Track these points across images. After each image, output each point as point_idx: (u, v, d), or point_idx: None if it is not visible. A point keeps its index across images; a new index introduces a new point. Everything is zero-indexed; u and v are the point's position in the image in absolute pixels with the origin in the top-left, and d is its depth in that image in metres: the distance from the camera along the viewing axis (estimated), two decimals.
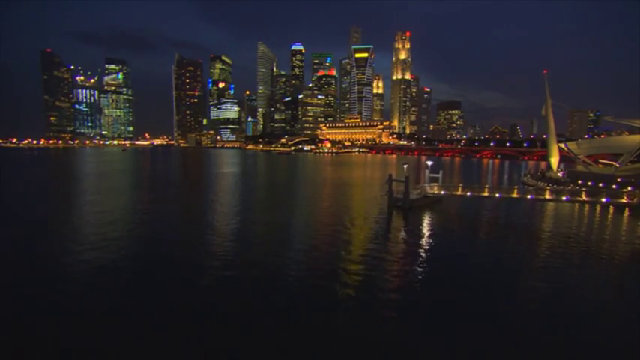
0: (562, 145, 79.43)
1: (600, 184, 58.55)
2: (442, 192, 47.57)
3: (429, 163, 55.17)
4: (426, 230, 34.73)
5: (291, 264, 24.57)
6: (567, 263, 25.10)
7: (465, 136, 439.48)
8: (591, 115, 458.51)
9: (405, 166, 49.29)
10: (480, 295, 19.81)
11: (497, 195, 41.74)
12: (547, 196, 39.12)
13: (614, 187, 55.87)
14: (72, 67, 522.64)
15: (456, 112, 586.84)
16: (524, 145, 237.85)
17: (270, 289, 20.25)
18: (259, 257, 26.17)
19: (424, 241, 30.93)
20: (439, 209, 45.79)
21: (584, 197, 36.77)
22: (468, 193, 43.78)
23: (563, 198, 38.11)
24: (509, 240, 32.61)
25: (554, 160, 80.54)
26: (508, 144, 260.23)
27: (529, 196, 41.39)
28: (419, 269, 23.62)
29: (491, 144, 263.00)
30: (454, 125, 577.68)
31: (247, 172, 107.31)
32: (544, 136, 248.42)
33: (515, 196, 40.66)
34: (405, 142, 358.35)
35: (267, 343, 14.75)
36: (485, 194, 42.30)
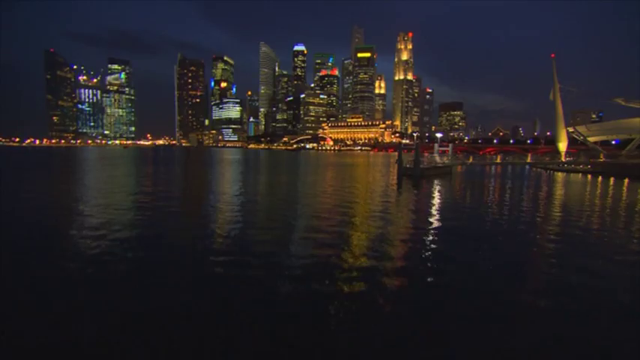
0: (570, 129, 78.27)
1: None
2: (453, 162, 46.56)
3: (439, 135, 54.17)
4: (436, 195, 33.35)
5: (299, 226, 23.45)
6: (583, 229, 22.18)
7: (467, 137, 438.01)
8: (594, 116, 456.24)
9: (416, 134, 48.28)
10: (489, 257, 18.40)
11: (509, 165, 40.63)
12: (563, 159, 37.93)
13: None
14: (75, 67, 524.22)
15: (458, 113, 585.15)
16: (528, 141, 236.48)
17: (279, 247, 19.17)
18: (272, 212, 25.13)
19: (435, 204, 28.50)
20: (450, 178, 44.74)
21: (602, 158, 35.57)
22: (481, 162, 42.75)
23: (582, 159, 36.93)
24: (522, 205, 30.30)
25: (563, 145, 79.35)
26: (511, 141, 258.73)
27: (547, 159, 40.21)
28: (427, 228, 20.45)
29: (495, 141, 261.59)
30: (456, 126, 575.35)
31: (252, 159, 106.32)
32: (547, 134, 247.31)
33: (529, 160, 39.58)
34: (408, 141, 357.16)
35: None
36: (498, 161, 41.27)
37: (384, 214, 20.81)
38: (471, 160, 43.00)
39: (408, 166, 45.03)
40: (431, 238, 15.96)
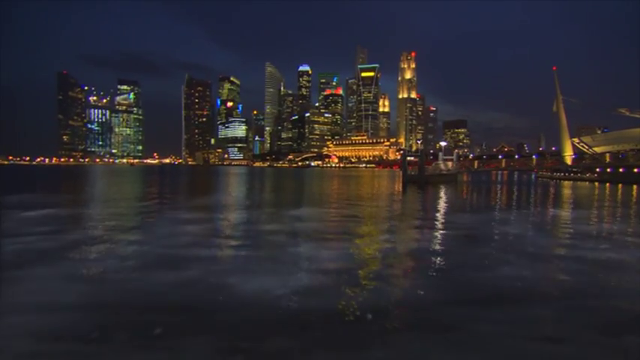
0: (576, 140, 78.23)
1: (620, 169, 57.01)
2: (458, 170, 46.72)
3: (443, 143, 54.57)
4: (442, 200, 33.37)
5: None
6: (594, 232, 21.24)
7: (471, 155, 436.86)
8: (599, 131, 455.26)
9: (420, 141, 48.70)
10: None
11: (516, 158, 40.70)
12: (569, 162, 37.97)
13: (636, 170, 54.25)
14: (86, 87, 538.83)
15: (462, 130, 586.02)
16: (534, 156, 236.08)
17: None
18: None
19: (440, 208, 28.55)
20: (455, 185, 44.76)
21: (608, 158, 35.58)
22: (485, 167, 42.87)
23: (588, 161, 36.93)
24: (529, 210, 29.30)
25: (568, 156, 79.03)
26: (517, 156, 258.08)
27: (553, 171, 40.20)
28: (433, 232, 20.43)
29: (500, 156, 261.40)
30: (460, 144, 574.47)
31: (260, 174, 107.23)
32: (553, 148, 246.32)
33: (533, 164, 39.60)
34: (412, 158, 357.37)
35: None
36: (503, 165, 41.36)
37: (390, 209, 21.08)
38: (476, 165, 43.15)
39: (412, 173, 45.25)
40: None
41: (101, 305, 7.62)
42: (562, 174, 59.96)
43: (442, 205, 25.93)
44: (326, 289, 8.73)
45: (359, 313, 7.32)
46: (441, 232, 15.77)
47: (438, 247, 13.47)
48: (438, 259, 11.60)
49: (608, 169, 56.87)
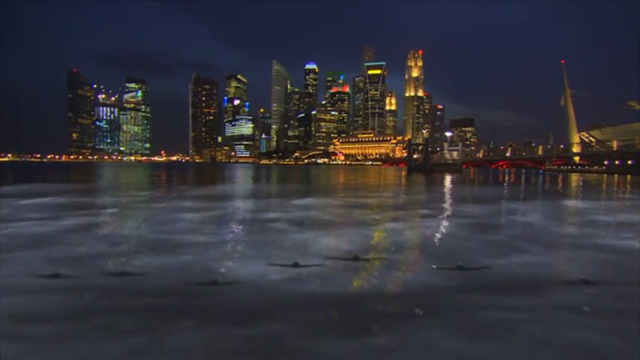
0: (584, 134, 76.91)
1: (629, 162, 55.80)
2: (463, 159, 45.88)
3: (448, 134, 53.82)
4: (447, 185, 32.96)
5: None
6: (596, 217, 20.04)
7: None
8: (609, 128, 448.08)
9: (425, 131, 48.03)
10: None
11: (524, 153, 39.67)
12: (575, 150, 36.92)
13: None
14: (95, 86, 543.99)
15: (470, 129, 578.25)
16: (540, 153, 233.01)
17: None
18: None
19: (445, 195, 28.22)
20: (460, 174, 44.12)
21: (615, 146, 34.53)
22: (491, 154, 41.91)
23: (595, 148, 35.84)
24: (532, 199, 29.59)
25: (576, 144, 77.78)
26: (524, 154, 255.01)
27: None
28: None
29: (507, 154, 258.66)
30: (468, 142, 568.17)
31: (267, 169, 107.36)
32: (561, 146, 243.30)
33: (540, 153, 38.59)
34: (419, 156, 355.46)
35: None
36: (508, 154, 40.37)
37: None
38: (481, 155, 42.29)
39: (417, 163, 44.71)
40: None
41: (85, 288, 7.28)
42: (570, 167, 58.91)
43: (447, 192, 25.52)
44: (325, 274, 8.29)
45: (360, 298, 6.85)
46: (444, 219, 15.30)
47: (440, 231, 12.99)
48: (442, 244, 11.12)
49: (617, 162, 55.71)
